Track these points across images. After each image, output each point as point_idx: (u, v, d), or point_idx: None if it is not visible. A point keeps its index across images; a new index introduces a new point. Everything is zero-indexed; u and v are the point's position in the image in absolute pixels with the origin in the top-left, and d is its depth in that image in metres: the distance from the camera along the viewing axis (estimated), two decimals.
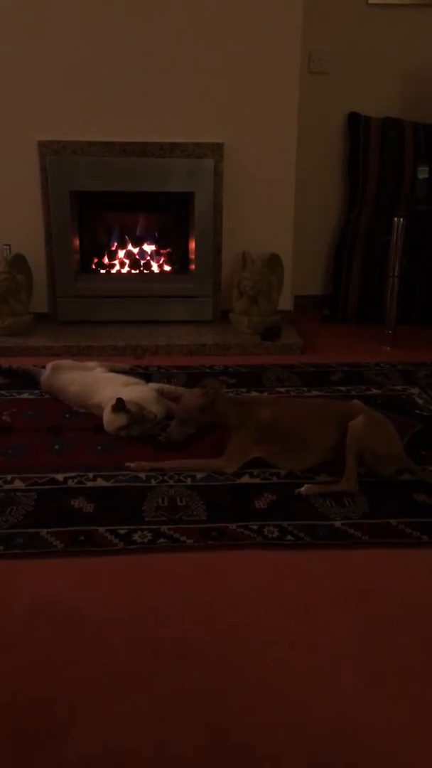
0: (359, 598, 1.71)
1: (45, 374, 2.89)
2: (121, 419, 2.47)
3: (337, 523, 2.00)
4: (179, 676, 1.47)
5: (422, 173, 3.53)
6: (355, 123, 3.84)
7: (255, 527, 1.97)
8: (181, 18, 3.33)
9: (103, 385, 2.70)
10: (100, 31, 3.32)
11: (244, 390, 2.95)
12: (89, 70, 3.37)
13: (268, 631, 1.60)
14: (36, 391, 2.90)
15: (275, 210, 3.64)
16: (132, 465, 2.29)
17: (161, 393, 2.68)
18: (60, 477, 2.23)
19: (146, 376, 3.06)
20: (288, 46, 3.41)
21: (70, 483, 2.20)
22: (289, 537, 1.94)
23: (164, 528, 1.96)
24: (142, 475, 2.24)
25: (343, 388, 2.99)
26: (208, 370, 3.18)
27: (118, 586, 1.74)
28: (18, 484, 2.19)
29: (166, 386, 2.81)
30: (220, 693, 1.43)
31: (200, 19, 3.34)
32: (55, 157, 3.46)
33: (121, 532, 1.94)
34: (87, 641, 1.57)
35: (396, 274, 3.52)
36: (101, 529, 1.96)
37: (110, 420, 2.50)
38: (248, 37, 3.38)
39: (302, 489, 2.15)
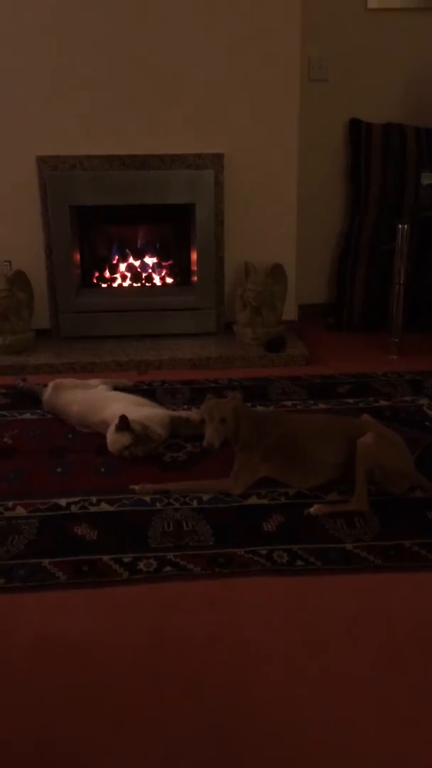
0: (374, 627, 1.65)
1: (46, 393, 2.84)
2: (125, 439, 2.41)
3: (349, 546, 1.94)
4: (186, 717, 1.41)
5: (426, 179, 3.48)
6: (357, 129, 3.78)
7: (264, 552, 1.91)
8: (180, 28, 3.29)
9: (107, 404, 2.65)
10: (98, 44, 3.28)
11: (249, 404, 2.88)
12: (87, 84, 3.33)
13: (280, 665, 1.54)
14: (38, 411, 2.85)
15: (277, 219, 3.59)
16: (137, 488, 2.23)
17: (173, 419, 2.59)
18: (63, 502, 2.18)
19: (150, 392, 3.01)
20: (287, 53, 3.37)
21: (73, 508, 2.14)
22: (299, 562, 1.87)
23: (170, 555, 1.91)
24: (147, 498, 2.18)
25: (350, 401, 2.93)
26: (212, 384, 3.12)
27: (123, 619, 1.68)
28: (20, 510, 2.14)
29: (176, 413, 2.67)
30: (229, 736, 1.37)
31: (198, 29, 3.29)
32: (54, 172, 3.42)
33: (126, 560, 1.89)
34: (90, 679, 1.51)
35: (401, 281, 3.46)
36: (105, 557, 1.90)
37: (114, 440, 2.45)
38: (247, 46, 3.34)
39: (312, 509, 2.09)
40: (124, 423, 2.39)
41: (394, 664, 1.54)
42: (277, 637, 1.62)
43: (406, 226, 3.38)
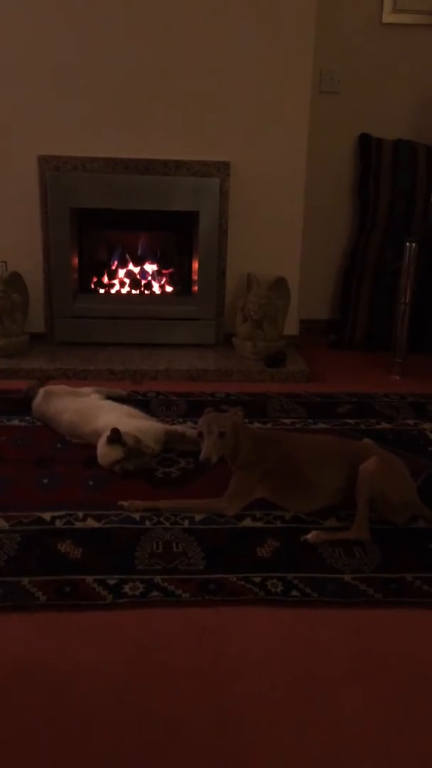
0: (374, 667, 1.54)
1: (37, 400, 2.74)
2: (117, 452, 2.31)
3: (347, 577, 1.83)
4: (170, 764, 1.29)
5: None
6: (367, 144, 3.71)
7: (257, 580, 1.81)
8: (189, 33, 3.22)
9: (99, 414, 2.54)
10: (103, 44, 3.21)
11: (246, 421, 2.78)
12: (92, 84, 3.25)
13: (272, 707, 1.43)
14: (27, 418, 2.74)
15: (282, 232, 3.51)
16: (125, 504, 2.12)
17: (168, 434, 2.48)
18: (47, 516, 2.06)
19: (144, 403, 2.91)
20: (299, 64, 3.30)
21: (57, 523, 2.03)
22: (294, 592, 1.77)
23: (158, 579, 1.80)
24: (136, 516, 2.08)
25: (351, 421, 2.83)
26: (209, 398, 3.02)
27: (106, 648, 1.57)
28: (2, 523, 2.03)
29: (172, 427, 2.56)
30: None
31: (208, 34, 3.22)
32: (55, 172, 3.33)
33: (111, 582, 1.78)
34: (69, 716, 1.40)
35: (407, 300, 3.38)
36: (89, 578, 1.79)
37: (105, 453, 2.34)
38: (258, 54, 3.27)
39: (309, 536, 1.98)
40: (115, 436, 2.29)
41: (393, 709, 1.43)
42: (267, 675, 1.51)
43: (414, 244, 3.30)
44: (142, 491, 2.22)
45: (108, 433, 2.31)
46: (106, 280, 3.71)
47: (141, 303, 3.64)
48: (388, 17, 3.60)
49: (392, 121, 3.73)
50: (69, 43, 3.20)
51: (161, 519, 2.06)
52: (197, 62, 3.25)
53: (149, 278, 3.73)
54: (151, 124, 3.32)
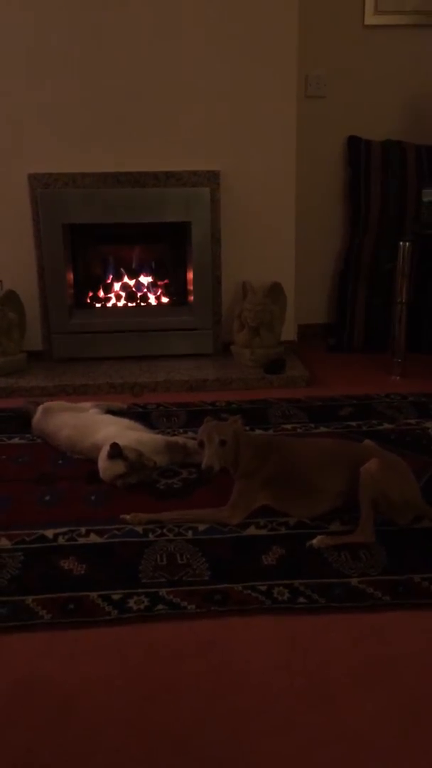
0: (384, 672, 1.52)
1: (35, 417, 2.73)
2: (119, 467, 2.29)
3: (354, 581, 1.81)
4: None
5: (427, 196, 3.40)
6: (356, 147, 3.72)
7: (263, 588, 1.78)
8: (175, 45, 3.23)
9: (98, 428, 2.53)
10: (90, 59, 3.22)
11: (247, 428, 2.77)
12: (80, 100, 3.27)
13: (281, 718, 1.40)
14: (27, 435, 2.73)
15: (275, 238, 3.51)
16: (128, 517, 2.11)
17: (168, 445, 2.47)
18: (50, 533, 2.05)
19: (144, 415, 2.89)
20: (283, 69, 3.31)
21: (60, 540, 2.02)
22: (301, 599, 1.74)
23: (163, 591, 1.77)
24: (139, 529, 2.06)
25: (353, 423, 2.81)
26: (209, 407, 3.01)
27: (111, 665, 1.55)
28: (4, 542, 2.01)
29: (172, 439, 2.54)
30: None
31: (194, 45, 3.24)
32: (46, 189, 3.34)
33: (115, 597, 1.76)
34: (74, 735, 1.37)
35: (403, 300, 3.37)
36: (93, 594, 1.77)
37: (106, 467, 2.32)
38: (243, 62, 3.28)
39: (314, 541, 1.96)
40: (116, 451, 2.27)
41: (406, 717, 1.40)
42: (275, 684, 1.48)
43: (407, 243, 3.30)
44: (145, 504, 2.20)
45: (108, 448, 2.30)
46: (101, 294, 3.71)
47: (137, 316, 3.63)
48: (370, 19, 3.61)
49: (380, 122, 3.74)
50: (57, 60, 3.21)
51: (164, 531, 2.04)
52: (182, 75, 3.27)
53: (145, 290, 3.73)
54: (139, 137, 3.33)
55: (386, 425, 2.79)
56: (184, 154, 3.36)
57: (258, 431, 2.73)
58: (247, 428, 2.75)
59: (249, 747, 1.33)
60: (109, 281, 3.73)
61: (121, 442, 2.30)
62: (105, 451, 2.32)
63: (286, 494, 2.12)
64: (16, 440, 2.71)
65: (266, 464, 2.11)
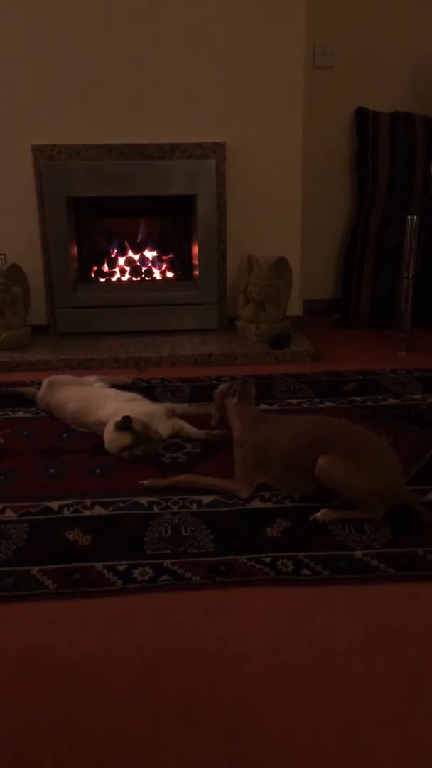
0: (388, 642, 1.53)
1: (41, 391, 2.73)
2: (126, 439, 2.30)
3: (358, 554, 1.81)
4: (183, 744, 1.29)
5: None
6: (363, 118, 3.66)
7: (267, 560, 1.79)
8: (180, 14, 3.17)
9: (104, 401, 2.53)
10: (94, 29, 3.16)
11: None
12: (84, 70, 3.21)
13: (285, 686, 1.42)
14: (32, 409, 2.73)
15: (281, 211, 3.47)
16: (146, 483, 2.13)
17: (173, 412, 2.50)
18: (55, 505, 2.06)
19: (149, 390, 2.89)
20: (291, 40, 3.25)
21: (65, 512, 2.03)
22: (305, 571, 1.75)
23: (167, 563, 1.78)
24: (144, 502, 2.06)
25: (358, 399, 2.80)
26: (214, 382, 3.00)
27: (116, 633, 1.56)
28: (9, 514, 2.02)
29: (178, 406, 2.59)
30: (228, 766, 1.25)
31: (199, 13, 3.17)
32: (50, 162, 3.30)
33: (120, 568, 1.77)
34: (80, 702, 1.39)
35: (410, 275, 3.33)
36: (98, 565, 1.78)
37: (113, 439, 2.33)
38: (250, 31, 3.22)
39: (318, 514, 1.96)
40: (126, 422, 2.27)
41: (408, 686, 1.42)
42: (280, 654, 1.50)
43: (415, 217, 3.26)
44: (150, 476, 2.20)
45: (118, 419, 2.30)
46: (106, 268, 3.69)
47: (142, 290, 3.61)
48: None
49: (388, 94, 3.68)
50: (59, 31, 3.15)
51: (169, 504, 2.05)
52: (188, 44, 3.21)
53: (149, 265, 3.71)
54: (144, 108, 3.28)
55: (391, 400, 2.78)
56: (190, 126, 3.31)
57: (262, 407, 2.73)
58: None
59: (254, 713, 1.35)
60: (113, 255, 3.70)
61: (129, 414, 2.30)
62: (112, 423, 2.32)
63: (279, 473, 2.07)
64: (20, 414, 2.71)
65: (252, 437, 2.12)
